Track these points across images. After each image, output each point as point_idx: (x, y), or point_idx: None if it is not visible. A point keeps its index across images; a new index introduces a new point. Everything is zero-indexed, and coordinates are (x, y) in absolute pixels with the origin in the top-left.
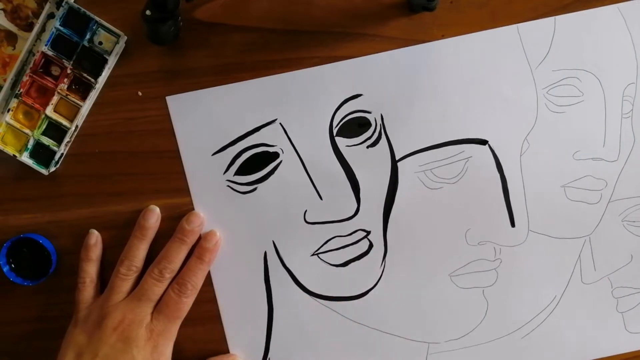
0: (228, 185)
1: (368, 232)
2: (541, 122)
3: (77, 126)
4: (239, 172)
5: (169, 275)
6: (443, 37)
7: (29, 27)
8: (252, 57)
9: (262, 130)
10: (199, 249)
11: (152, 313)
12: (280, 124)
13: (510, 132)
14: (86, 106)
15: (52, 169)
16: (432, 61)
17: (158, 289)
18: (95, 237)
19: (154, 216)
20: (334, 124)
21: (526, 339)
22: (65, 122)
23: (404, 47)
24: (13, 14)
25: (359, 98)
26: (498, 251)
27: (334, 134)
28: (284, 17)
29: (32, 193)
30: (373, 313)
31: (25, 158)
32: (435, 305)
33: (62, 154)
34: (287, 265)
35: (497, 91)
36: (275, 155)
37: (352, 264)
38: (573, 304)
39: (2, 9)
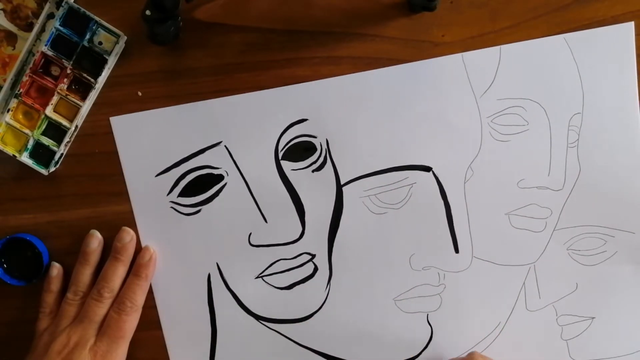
0: (172, 207)
1: (313, 256)
2: (485, 150)
3: (77, 126)
4: (182, 194)
5: (108, 295)
6: (443, 37)
7: (28, 27)
8: (252, 57)
9: (207, 152)
10: (134, 266)
11: (97, 335)
12: (225, 146)
13: (454, 159)
14: (86, 106)
15: (52, 169)
16: (377, 87)
17: (99, 310)
18: (57, 269)
19: (96, 241)
20: (280, 147)
21: None
22: (65, 122)
23: (404, 47)
24: (13, 14)
25: (305, 122)
26: (442, 276)
27: (280, 158)
28: (284, 17)
29: (32, 193)
30: (318, 336)
31: (25, 158)
32: (380, 329)
33: (62, 154)
34: (231, 287)
35: (441, 119)
36: (220, 177)
37: (297, 287)
38: (517, 330)
39: (2, 9)
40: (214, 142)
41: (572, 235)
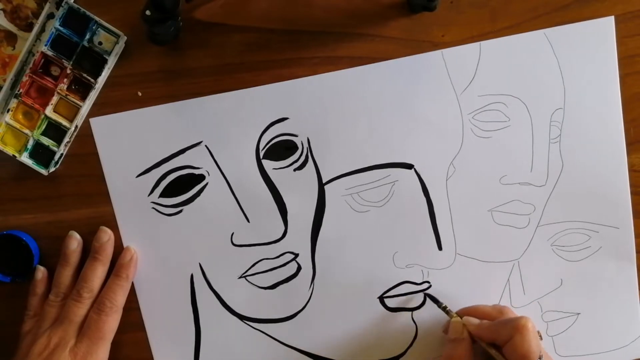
0: (153, 207)
1: (296, 255)
2: (467, 147)
3: (76, 126)
4: (163, 194)
5: (87, 295)
6: (443, 37)
7: (28, 27)
8: (252, 57)
9: (187, 152)
10: (116, 266)
11: (77, 336)
12: (205, 146)
13: (435, 156)
14: (86, 106)
15: (52, 169)
16: (358, 85)
17: (79, 310)
18: (41, 273)
19: (75, 242)
20: (261, 146)
21: None
22: (65, 122)
23: (404, 47)
24: (13, 14)
25: (286, 121)
26: (426, 274)
27: (261, 157)
28: (284, 17)
29: (32, 193)
30: (302, 335)
31: (25, 158)
32: (364, 328)
33: (61, 154)
34: (215, 287)
35: (422, 116)
36: (201, 177)
37: (281, 286)
38: None
39: (2, 9)
40: (195, 142)
41: (556, 231)
